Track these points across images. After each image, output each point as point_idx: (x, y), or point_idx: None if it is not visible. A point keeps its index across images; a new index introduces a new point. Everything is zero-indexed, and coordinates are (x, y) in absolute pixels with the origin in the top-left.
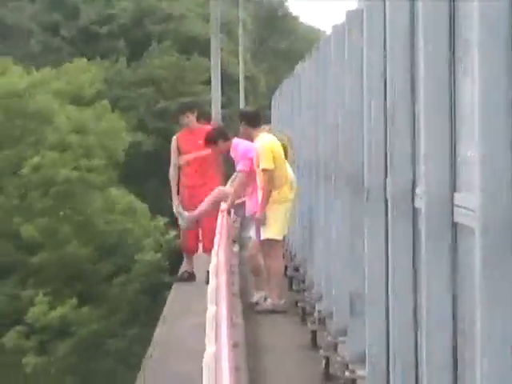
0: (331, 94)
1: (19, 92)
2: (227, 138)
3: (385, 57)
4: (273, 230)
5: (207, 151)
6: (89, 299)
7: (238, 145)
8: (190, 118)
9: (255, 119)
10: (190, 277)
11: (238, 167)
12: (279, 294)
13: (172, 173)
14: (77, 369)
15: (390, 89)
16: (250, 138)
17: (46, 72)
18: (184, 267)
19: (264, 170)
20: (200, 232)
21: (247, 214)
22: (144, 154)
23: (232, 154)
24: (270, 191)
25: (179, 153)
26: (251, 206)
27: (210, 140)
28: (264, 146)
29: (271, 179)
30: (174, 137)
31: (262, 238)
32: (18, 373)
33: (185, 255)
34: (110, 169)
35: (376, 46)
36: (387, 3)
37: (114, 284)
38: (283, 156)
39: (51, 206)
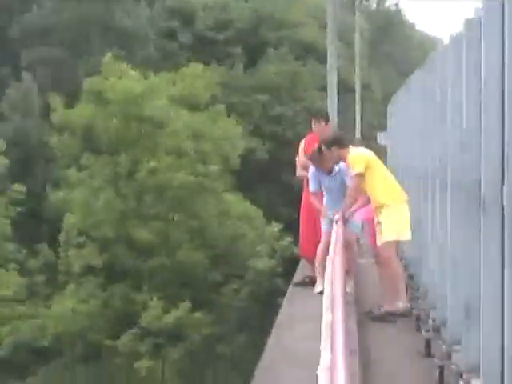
0: (446, 101)
1: (136, 96)
2: (343, 145)
3: (504, 67)
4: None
5: None
6: (201, 305)
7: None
8: (320, 127)
9: (343, 140)
10: (312, 282)
11: (352, 172)
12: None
13: (300, 173)
14: (189, 373)
15: (509, 100)
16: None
17: (163, 77)
18: (304, 272)
19: (355, 175)
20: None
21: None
22: (259, 160)
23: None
24: (356, 197)
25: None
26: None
27: (326, 145)
28: (354, 154)
29: (360, 183)
30: (303, 141)
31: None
32: (131, 376)
33: (305, 260)
34: (225, 174)
35: (495, 56)
36: (506, 11)
37: (227, 290)
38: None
39: (166, 211)
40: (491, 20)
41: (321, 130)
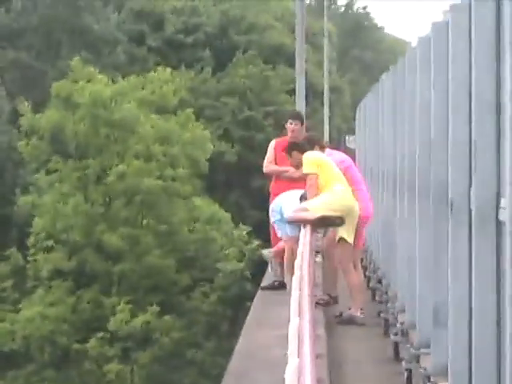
0: (416, 105)
1: (105, 101)
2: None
3: (471, 68)
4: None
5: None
6: (171, 309)
7: (332, 155)
8: (298, 128)
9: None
10: (281, 286)
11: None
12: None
13: (267, 168)
14: (158, 378)
15: (476, 102)
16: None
17: (131, 81)
18: (275, 276)
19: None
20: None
21: None
22: (227, 163)
23: None
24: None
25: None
26: None
27: (288, 150)
28: (306, 156)
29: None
30: (273, 141)
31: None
32: (100, 380)
33: (276, 263)
34: (194, 178)
35: (461, 59)
36: (473, 15)
37: (197, 294)
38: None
39: (135, 215)
40: (458, 22)
41: (297, 130)
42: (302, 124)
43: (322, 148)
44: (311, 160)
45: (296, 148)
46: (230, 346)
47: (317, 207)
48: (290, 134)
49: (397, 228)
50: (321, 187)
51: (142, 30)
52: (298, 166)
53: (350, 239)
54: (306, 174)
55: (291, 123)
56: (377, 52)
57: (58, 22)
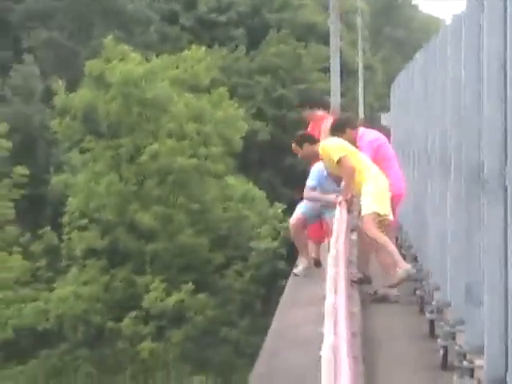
0: (449, 84)
1: (136, 79)
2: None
3: (505, 47)
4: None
5: None
6: (204, 288)
7: (365, 134)
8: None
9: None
10: (317, 264)
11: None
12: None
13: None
14: (193, 356)
15: (510, 79)
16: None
17: (164, 60)
18: (310, 254)
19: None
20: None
21: None
22: (261, 142)
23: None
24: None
25: None
26: None
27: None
28: (326, 145)
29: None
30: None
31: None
32: (134, 359)
33: (311, 243)
34: (227, 157)
35: (496, 37)
36: None
37: (230, 272)
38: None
39: (168, 194)
40: (493, 0)
41: (314, 117)
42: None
43: (355, 129)
44: (336, 145)
45: (307, 140)
46: (265, 325)
47: (368, 206)
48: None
49: (429, 207)
50: (357, 172)
51: (175, 9)
52: (310, 158)
53: (385, 213)
54: (339, 161)
55: (310, 112)
56: (410, 30)
57: (89, 1)
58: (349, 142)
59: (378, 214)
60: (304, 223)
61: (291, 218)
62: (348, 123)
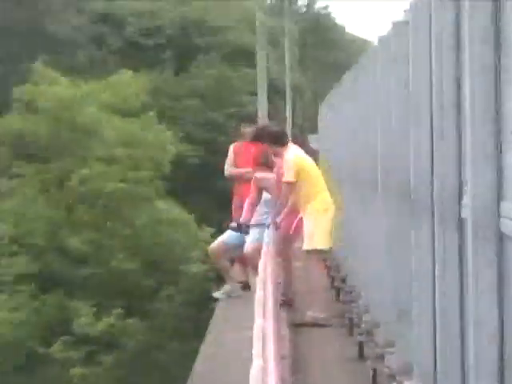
0: (378, 102)
1: (67, 104)
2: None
3: (431, 67)
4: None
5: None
6: (135, 312)
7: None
8: (248, 130)
9: (281, 138)
10: (245, 287)
11: (284, 178)
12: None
13: (228, 172)
14: (124, 381)
15: (437, 99)
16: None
17: (93, 84)
18: (238, 277)
19: (285, 183)
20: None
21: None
22: (190, 165)
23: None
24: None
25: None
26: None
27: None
28: (288, 159)
29: (290, 191)
30: (231, 145)
31: (309, 247)
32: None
33: (239, 265)
34: (156, 181)
35: (422, 57)
36: (433, 15)
37: (161, 297)
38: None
39: (98, 219)
40: (418, 21)
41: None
42: (254, 123)
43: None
44: (292, 166)
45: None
46: (195, 348)
47: (320, 240)
48: (244, 136)
49: (359, 227)
50: (307, 195)
51: (102, 32)
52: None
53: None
54: (284, 182)
55: (244, 126)
56: (337, 51)
57: (17, 25)
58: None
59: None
60: (224, 250)
61: (211, 244)
62: (286, 136)
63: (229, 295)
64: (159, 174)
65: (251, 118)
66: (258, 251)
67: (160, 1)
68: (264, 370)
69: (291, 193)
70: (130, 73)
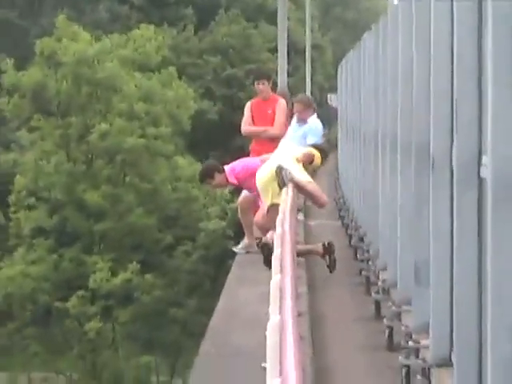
0: (397, 64)
1: (88, 59)
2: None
3: (453, 28)
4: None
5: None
6: (152, 268)
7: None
8: (266, 86)
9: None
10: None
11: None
12: None
13: (245, 129)
14: (140, 336)
15: (458, 61)
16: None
17: (114, 39)
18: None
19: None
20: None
21: None
22: (210, 121)
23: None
24: None
25: (251, 120)
26: None
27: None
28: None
29: None
30: (248, 103)
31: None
32: (81, 339)
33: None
34: (176, 137)
35: (444, 18)
36: None
37: (178, 252)
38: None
39: (117, 174)
40: None
41: (265, 89)
42: (268, 81)
43: (222, 172)
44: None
45: (215, 170)
46: (212, 305)
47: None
48: (259, 93)
49: (379, 187)
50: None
51: None
52: (223, 186)
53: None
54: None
55: (258, 83)
56: (359, 10)
57: None
58: (220, 185)
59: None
60: (251, 203)
61: (239, 198)
62: (215, 169)
63: (247, 250)
64: (179, 129)
65: (267, 75)
66: (247, 203)
67: None
68: (281, 326)
69: None
70: (151, 28)
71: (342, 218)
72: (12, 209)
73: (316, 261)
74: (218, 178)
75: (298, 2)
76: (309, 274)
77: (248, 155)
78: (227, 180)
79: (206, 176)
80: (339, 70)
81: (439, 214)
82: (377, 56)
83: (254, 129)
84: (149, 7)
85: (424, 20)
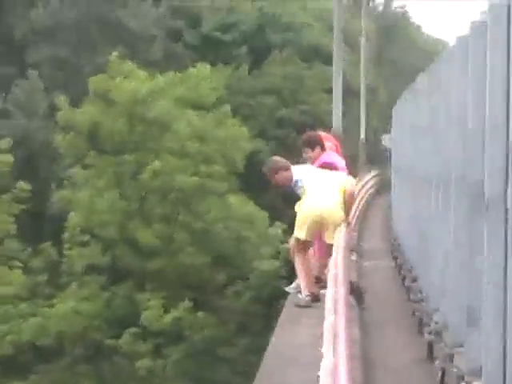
0: (451, 104)
1: (142, 97)
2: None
3: (509, 69)
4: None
5: None
6: (204, 307)
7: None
8: (310, 155)
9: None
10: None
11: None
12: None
13: None
14: (191, 374)
15: None
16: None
17: (169, 77)
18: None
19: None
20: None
21: None
22: (263, 162)
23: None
24: None
25: None
26: None
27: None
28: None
29: None
30: None
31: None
32: (132, 376)
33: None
34: (229, 176)
35: (500, 59)
36: None
37: (230, 292)
38: None
39: (169, 212)
40: (497, 22)
41: (308, 157)
42: (313, 148)
43: (323, 149)
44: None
45: (281, 167)
46: (263, 344)
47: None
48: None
49: (431, 227)
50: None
51: (179, 27)
52: (284, 184)
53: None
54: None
55: (306, 152)
56: (413, 51)
57: (94, 17)
58: (312, 160)
59: (298, 239)
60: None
61: (290, 239)
62: (318, 142)
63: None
64: (232, 169)
65: (308, 142)
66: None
67: None
68: (334, 368)
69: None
70: (207, 67)
71: (395, 258)
72: (65, 245)
73: (369, 302)
74: (282, 175)
75: (351, 44)
76: (361, 315)
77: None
78: (291, 179)
79: (272, 170)
80: (393, 110)
81: (493, 256)
82: (431, 96)
83: None
84: (203, 46)
85: (480, 61)
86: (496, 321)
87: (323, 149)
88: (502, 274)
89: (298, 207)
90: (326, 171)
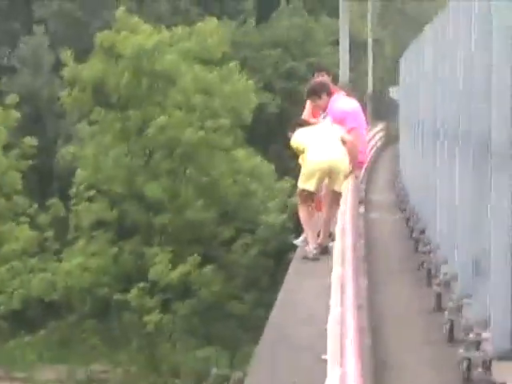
0: (457, 56)
1: (148, 52)
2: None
3: None
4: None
5: None
6: (211, 261)
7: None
8: (319, 103)
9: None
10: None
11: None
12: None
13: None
14: (198, 329)
15: None
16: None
17: (176, 32)
18: None
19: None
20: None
21: None
22: (270, 115)
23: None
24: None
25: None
26: None
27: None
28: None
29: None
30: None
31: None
32: (140, 331)
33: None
34: (235, 130)
35: (505, 8)
36: None
37: (237, 246)
38: None
39: (175, 167)
40: None
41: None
42: (328, 74)
43: (330, 95)
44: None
45: (302, 125)
46: (271, 299)
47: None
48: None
49: (437, 179)
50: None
51: None
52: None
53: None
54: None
55: (317, 76)
56: (419, 2)
57: None
58: (321, 107)
59: (303, 190)
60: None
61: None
62: (324, 89)
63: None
64: (238, 123)
65: (326, 69)
66: None
67: None
68: (342, 319)
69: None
70: (215, 21)
71: (403, 210)
72: (72, 201)
73: (377, 254)
74: (325, 99)
75: None
76: (369, 266)
77: None
78: (326, 108)
79: (315, 93)
80: (400, 62)
81: (499, 203)
82: (437, 48)
83: (307, 121)
84: (209, 1)
85: (485, 12)
86: (503, 271)
87: (330, 94)
88: (509, 225)
89: (303, 160)
90: (325, 124)
